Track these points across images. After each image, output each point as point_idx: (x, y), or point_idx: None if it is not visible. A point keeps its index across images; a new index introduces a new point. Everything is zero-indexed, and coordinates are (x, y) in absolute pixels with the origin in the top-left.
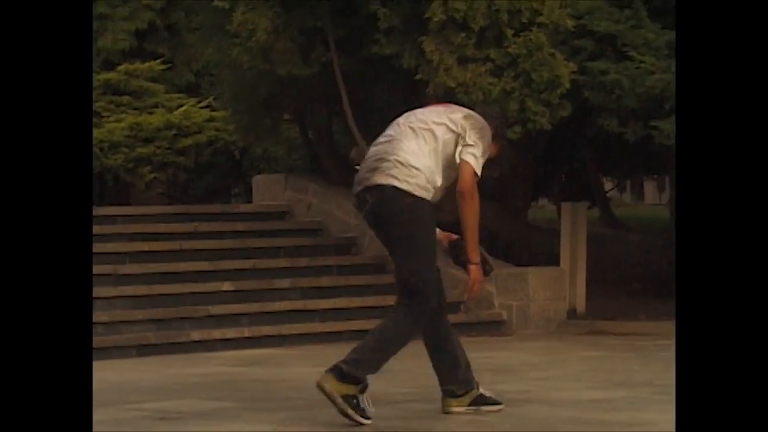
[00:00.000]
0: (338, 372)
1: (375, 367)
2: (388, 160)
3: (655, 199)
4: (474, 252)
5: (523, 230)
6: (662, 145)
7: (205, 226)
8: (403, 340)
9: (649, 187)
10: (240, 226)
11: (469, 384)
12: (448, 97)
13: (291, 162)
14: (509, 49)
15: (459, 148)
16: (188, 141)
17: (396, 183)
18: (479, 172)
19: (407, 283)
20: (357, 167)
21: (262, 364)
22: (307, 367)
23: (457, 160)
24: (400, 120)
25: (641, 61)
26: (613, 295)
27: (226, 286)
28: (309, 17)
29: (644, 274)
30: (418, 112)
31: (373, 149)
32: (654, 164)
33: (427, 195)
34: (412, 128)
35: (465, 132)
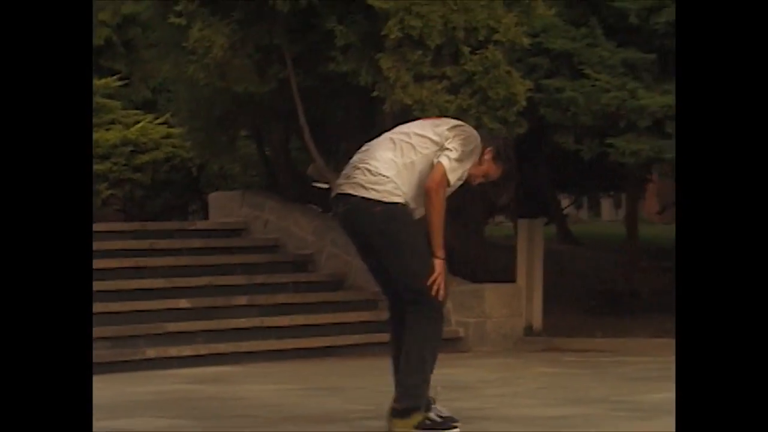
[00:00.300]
0: (397, 413)
1: (423, 386)
2: (359, 168)
3: (611, 216)
4: (439, 248)
5: (479, 247)
6: (618, 162)
7: (161, 243)
8: (432, 346)
9: (606, 204)
10: (196, 243)
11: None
12: (404, 115)
13: (248, 179)
14: (465, 67)
15: (438, 152)
16: (145, 157)
17: (364, 193)
18: (452, 178)
19: (409, 288)
20: (314, 184)
21: (219, 381)
22: (264, 385)
23: (434, 163)
24: (388, 132)
25: (596, 79)
26: (569, 312)
27: (183, 303)
28: (265, 34)
29: (600, 291)
30: (406, 125)
31: (353, 158)
32: (610, 181)
33: (400, 200)
34: (392, 139)
35: (446, 140)
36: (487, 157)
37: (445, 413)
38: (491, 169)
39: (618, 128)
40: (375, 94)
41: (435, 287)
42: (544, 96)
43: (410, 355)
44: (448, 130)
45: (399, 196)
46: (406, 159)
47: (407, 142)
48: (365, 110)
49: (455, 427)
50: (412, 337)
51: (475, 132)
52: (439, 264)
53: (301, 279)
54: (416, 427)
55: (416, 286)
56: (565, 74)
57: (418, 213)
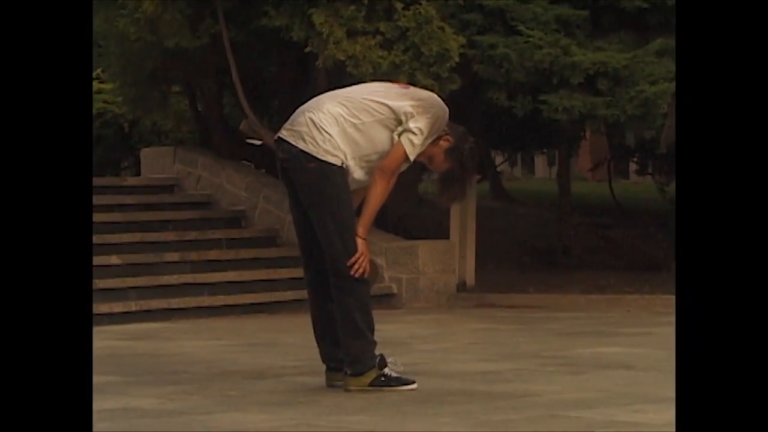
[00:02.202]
0: (349, 374)
1: (368, 348)
2: (303, 116)
3: (545, 173)
4: (364, 228)
5: (412, 203)
6: (551, 119)
7: (93, 200)
8: (361, 311)
9: (540, 161)
10: (128, 200)
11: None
12: (338, 71)
13: (180, 135)
14: (399, 23)
15: (399, 129)
16: None
17: (302, 145)
18: (411, 158)
19: (328, 256)
20: (247, 140)
21: (150, 338)
22: (196, 341)
23: (395, 139)
24: (351, 86)
25: (529, 36)
26: (502, 269)
27: (114, 259)
28: None
29: (533, 248)
30: (370, 85)
31: (305, 104)
32: (543, 138)
33: (336, 160)
34: (347, 95)
35: (411, 119)
36: (442, 143)
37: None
38: (438, 159)
39: (551, 85)
40: (308, 49)
41: (356, 268)
42: (477, 52)
43: (345, 323)
44: (413, 107)
45: (336, 157)
46: (357, 120)
47: (363, 102)
48: (298, 66)
49: (412, 382)
50: (340, 307)
51: (442, 108)
52: (362, 244)
53: (234, 235)
54: (371, 384)
55: (336, 264)
56: (498, 30)
57: (358, 183)
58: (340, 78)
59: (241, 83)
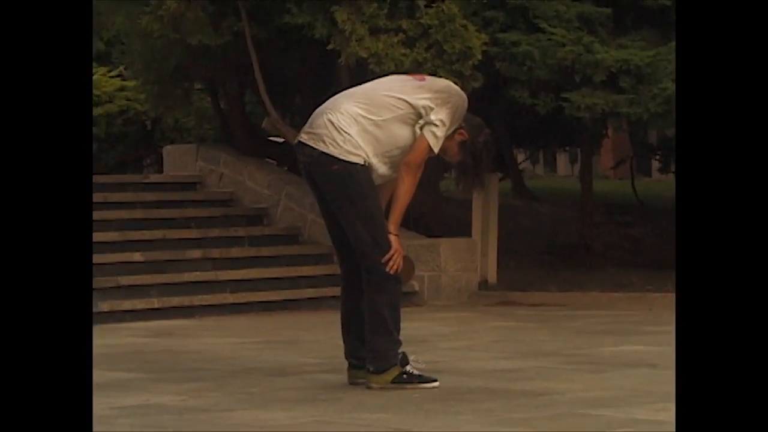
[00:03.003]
0: (372, 371)
1: (393, 346)
2: (322, 118)
3: (567, 171)
4: (395, 225)
5: (434, 201)
6: (573, 117)
7: (115, 197)
8: (390, 308)
9: (562, 159)
10: (150, 197)
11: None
12: (360, 68)
13: (202, 132)
14: (421, 20)
15: (420, 122)
16: (99, 110)
17: (323, 147)
18: (435, 151)
19: (359, 253)
20: (269, 137)
21: (172, 335)
22: (217, 338)
23: (416, 133)
24: (367, 83)
25: (552, 33)
26: (524, 266)
27: (136, 256)
28: None
29: (555, 246)
30: (386, 80)
31: (323, 105)
32: (566, 136)
33: (359, 159)
34: (364, 92)
35: (430, 110)
36: (457, 137)
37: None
38: (452, 151)
39: (573, 83)
40: (331, 47)
41: (391, 265)
42: (500, 50)
43: (372, 319)
44: (431, 99)
45: (358, 156)
46: (376, 117)
47: (381, 99)
48: (321, 63)
49: (434, 380)
50: (370, 303)
51: (461, 96)
52: (395, 240)
53: (256, 233)
54: (393, 382)
55: (368, 261)
56: (521, 28)
57: (382, 178)
58: (363, 75)
59: (263, 81)
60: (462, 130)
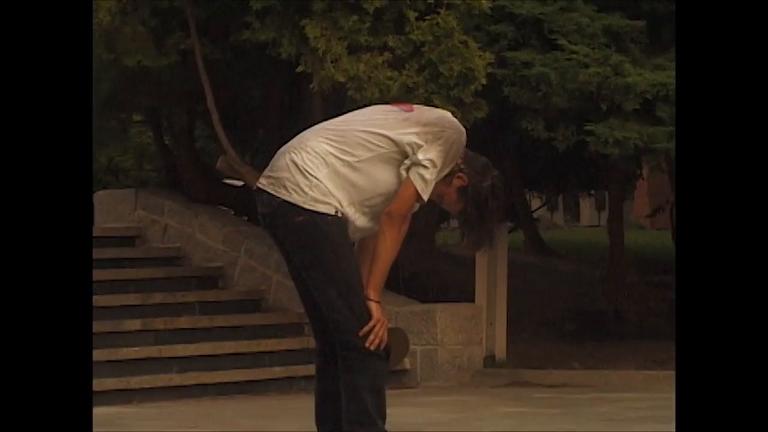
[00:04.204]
0: None
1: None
2: (283, 159)
3: (592, 220)
4: (375, 289)
5: (429, 257)
6: (599, 153)
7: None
8: (373, 394)
9: (586, 206)
10: None
11: None
12: (337, 95)
13: (143, 174)
14: (412, 36)
15: (406, 163)
16: None
17: (285, 195)
18: (425, 198)
19: (333, 325)
20: (225, 180)
21: (106, 424)
22: (162, 429)
23: (402, 175)
24: (343, 115)
25: (573, 52)
26: (540, 338)
27: None
28: None
29: (578, 313)
30: (365, 111)
31: (288, 143)
32: (590, 177)
33: (329, 209)
34: (336, 127)
35: (417, 148)
36: (456, 182)
37: None
38: (450, 197)
39: (599, 112)
40: (300, 69)
41: (372, 339)
42: (509, 72)
43: (351, 406)
44: (419, 134)
45: (328, 204)
46: (351, 156)
47: (357, 135)
48: (288, 89)
49: None
50: (348, 387)
51: (457, 129)
52: (376, 308)
53: (209, 298)
54: None
55: (344, 335)
56: (534, 45)
57: (361, 232)
58: (340, 104)
59: (217, 110)
60: (461, 174)
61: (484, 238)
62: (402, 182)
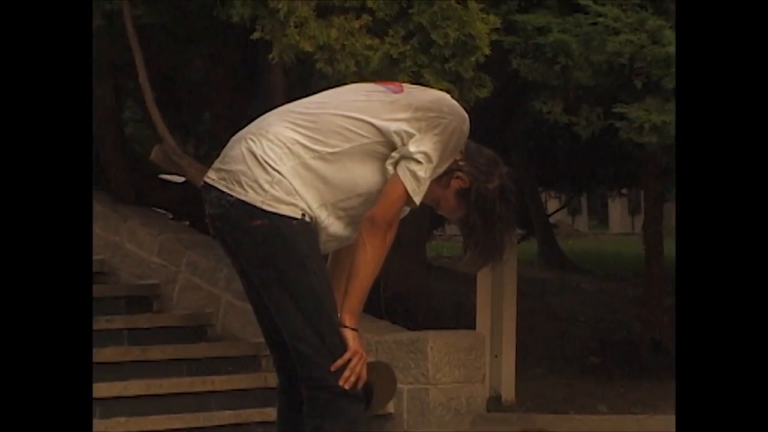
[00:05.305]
0: None
1: None
2: (238, 147)
3: (624, 226)
4: (351, 314)
5: (419, 273)
6: (632, 142)
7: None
8: None
9: (616, 208)
10: None
11: None
12: (302, 68)
13: None
14: None
15: (394, 156)
16: None
17: (240, 193)
18: (417, 200)
19: (297, 356)
20: (162, 176)
21: None
22: None
23: (389, 171)
24: (314, 96)
25: (599, 14)
26: (556, 375)
27: None
28: None
29: (606, 343)
30: (344, 89)
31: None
32: (621, 173)
33: (294, 211)
34: (306, 110)
35: (408, 138)
36: (455, 184)
37: None
38: (448, 201)
39: (632, 90)
40: (256, 35)
41: (346, 375)
42: (519, 40)
43: None
44: (410, 121)
45: (293, 206)
46: (324, 147)
47: (332, 120)
48: (242, 61)
49: None
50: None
51: (459, 115)
52: (351, 338)
53: (141, 324)
54: None
55: (311, 370)
56: (550, 6)
57: (337, 241)
58: (306, 80)
59: (151, 87)
60: (461, 174)
61: (490, 252)
62: (388, 180)
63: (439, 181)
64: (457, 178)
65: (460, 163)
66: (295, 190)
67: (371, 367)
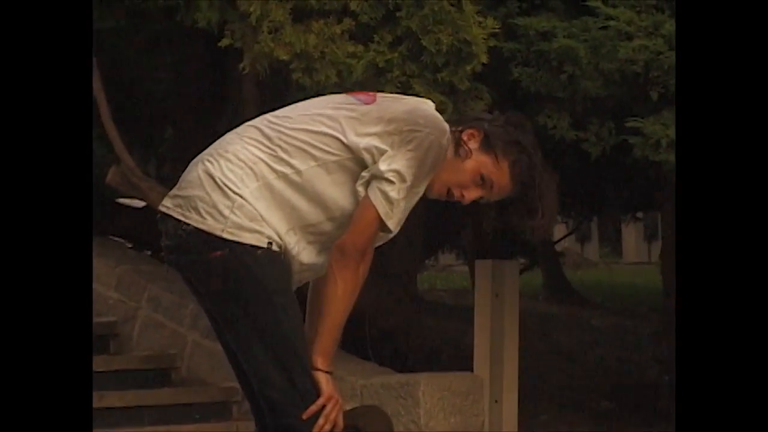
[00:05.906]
0: None
1: None
2: (195, 170)
3: (640, 254)
4: (324, 355)
5: (409, 308)
6: (647, 160)
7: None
8: None
9: (630, 234)
10: None
11: None
12: (276, 79)
13: None
14: None
15: (364, 176)
16: None
17: (197, 221)
18: (392, 225)
19: (265, 402)
20: (119, 201)
21: None
22: None
23: (360, 193)
24: (285, 108)
25: (610, 17)
26: (566, 420)
27: None
28: None
29: (620, 386)
30: (317, 102)
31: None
32: (636, 195)
33: (259, 240)
34: (270, 126)
35: (379, 155)
36: (472, 145)
37: None
38: (486, 166)
39: (648, 102)
40: (225, 42)
41: (322, 423)
42: (520, 46)
43: None
44: (381, 136)
45: (258, 233)
46: (287, 168)
47: (297, 137)
48: (209, 71)
49: None
50: None
51: (437, 127)
52: (326, 381)
53: (98, 366)
54: None
55: (282, 418)
56: (555, 8)
57: (309, 271)
58: (282, 92)
59: (108, 101)
60: (467, 131)
61: (540, 223)
62: (359, 203)
63: (453, 161)
64: (471, 134)
65: (463, 126)
66: (260, 215)
67: (361, 412)
